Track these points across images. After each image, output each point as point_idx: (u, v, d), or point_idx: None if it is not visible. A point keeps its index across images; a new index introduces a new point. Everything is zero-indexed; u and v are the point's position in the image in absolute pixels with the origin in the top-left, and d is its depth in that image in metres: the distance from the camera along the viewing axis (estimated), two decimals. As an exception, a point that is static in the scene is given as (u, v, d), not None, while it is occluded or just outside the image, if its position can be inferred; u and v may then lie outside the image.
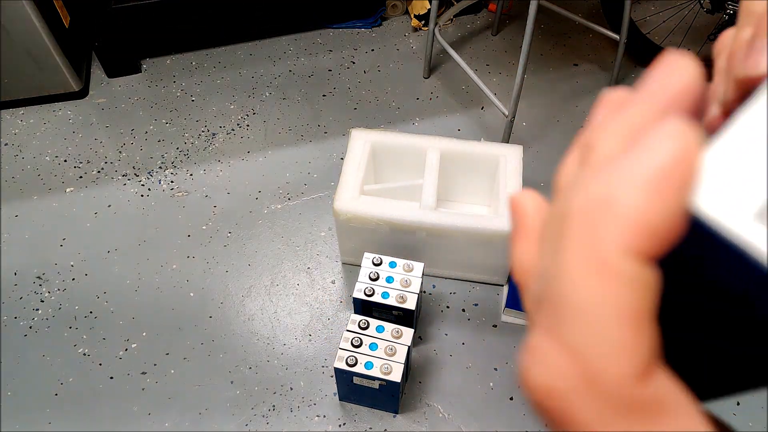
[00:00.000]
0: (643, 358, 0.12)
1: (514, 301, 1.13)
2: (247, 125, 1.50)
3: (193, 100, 1.58)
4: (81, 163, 1.43)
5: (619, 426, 0.12)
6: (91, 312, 1.17)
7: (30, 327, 1.15)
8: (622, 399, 0.12)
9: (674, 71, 0.14)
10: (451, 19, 1.79)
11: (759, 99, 0.14)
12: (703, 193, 0.13)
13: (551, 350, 0.13)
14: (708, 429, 0.13)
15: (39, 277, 1.22)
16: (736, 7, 1.38)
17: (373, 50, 1.70)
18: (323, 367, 1.09)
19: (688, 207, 0.13)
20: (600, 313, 0.12)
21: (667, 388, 0.13)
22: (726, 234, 0.13)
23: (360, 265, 1.06)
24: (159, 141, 1.47)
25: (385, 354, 0.93)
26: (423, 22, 1.75)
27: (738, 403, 1.05)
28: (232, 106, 1.56)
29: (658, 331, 0.13)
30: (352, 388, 0.97)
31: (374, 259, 1.04)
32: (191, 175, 1.40)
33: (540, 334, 0.13)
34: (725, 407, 1.04)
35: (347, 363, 0.92)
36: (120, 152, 1.45)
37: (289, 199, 1.34)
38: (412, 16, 1.75)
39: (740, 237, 0.13)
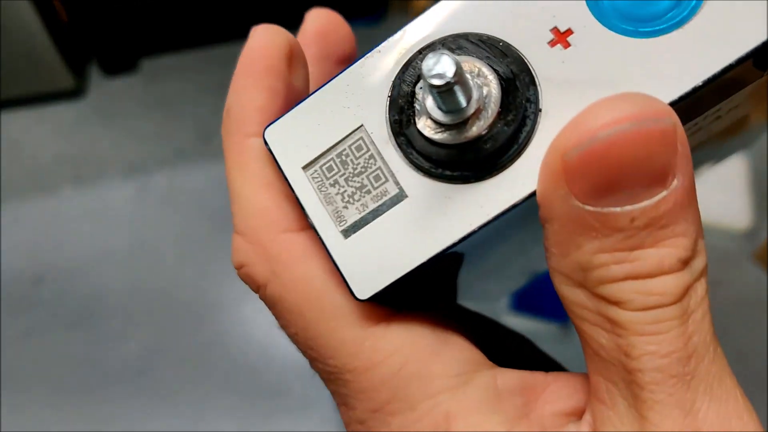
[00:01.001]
0: (282, 216, 0.15)
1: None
2: (246, 124, 1.50)
3: (191, 99, 1.57)
4: (79, 162, 1.42)
5: (278, 267, 0.16)
6: (89, 312, 1.16)
7: (29, 327, 1.15)
8: (271, 247, 0.16)
9: (252, 38, 0.17)
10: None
11: (343, 73, 0.15)
12: (272, 130, 0.15)
13: (235, 238, 0.17)
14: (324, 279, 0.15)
15: (37, 278, 1.21)
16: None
17: (373, 49, 1.69)
18: (322, 368, 1.08)
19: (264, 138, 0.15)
20: (244, 188, 0.16)
21: (306, 240, 0.16)
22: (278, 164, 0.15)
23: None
24: (157, 140, 1.47)
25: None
26: (423, 21, 1.74)
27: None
28: (231, 106, 1.55)
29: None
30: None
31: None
32: (190, 175, 1.39)
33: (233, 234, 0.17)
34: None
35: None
36: (118, 151, 1.45)
37: (288, 198, 1.34)
38: (413, 15, 1.75)
39: (285, 174, 0.15)
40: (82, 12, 1.60)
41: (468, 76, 0.13)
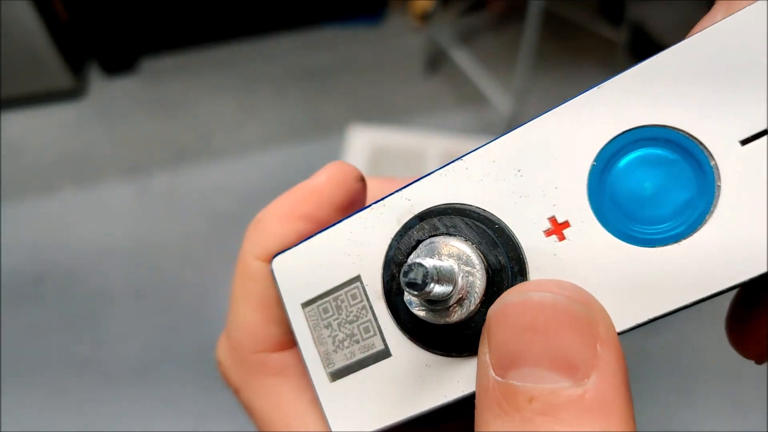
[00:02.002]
0: (267, 337, 0.16)
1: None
2: (246, 124, 1.50)
3: (191, 99, 1.57)
4: (79, 162, 1.42)
5: (252, 382, 0.16)
6: (90, 312, 1.16)
7: (29, 327, 1.15)
8: (248, 359, 0.16)
9: (317, 175, 0.17)
10: (452, 19, 1.79)
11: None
12: (280, 261, 0.16)
13: (223, 336, 0.18)
14: (304, 396, 0.16)
15: (38, 277, 1.21)
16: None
17: (373, 50, 1.69)
18: (323, 368, 1.08)
19: (270, 262, 0.16)
20: (240, 303, 0.16)
21: (291, 360, 0.16)
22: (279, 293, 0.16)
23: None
24: (157, 140, 1.47)
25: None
26: (424, 21, 1.74)
27: (739, 404, 1.05)
28: (230, 106, 1.55)
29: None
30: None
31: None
32: (190, 175, 1.39)
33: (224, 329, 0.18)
34: (725, 406, 1.03)
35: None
36: (118, 152, 1.45)
37: (288, 198, 1.33)
38: (413, 15, 1.75)
39: (285, 307, 0.16)
40: (81, 12, 1.60)
41: (453, 266, 0.13)
